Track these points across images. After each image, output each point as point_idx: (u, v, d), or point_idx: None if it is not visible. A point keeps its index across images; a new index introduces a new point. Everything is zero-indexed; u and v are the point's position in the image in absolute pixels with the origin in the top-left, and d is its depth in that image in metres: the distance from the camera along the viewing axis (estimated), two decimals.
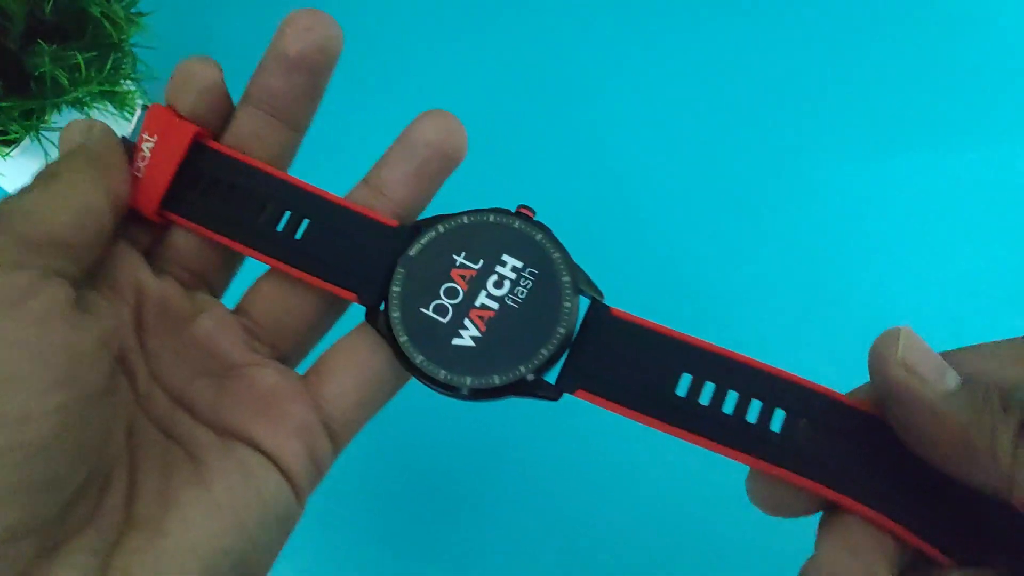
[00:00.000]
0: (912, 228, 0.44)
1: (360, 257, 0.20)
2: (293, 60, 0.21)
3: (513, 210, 0.20)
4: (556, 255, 0.20)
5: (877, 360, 0.17)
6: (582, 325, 0.20)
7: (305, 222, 0.21)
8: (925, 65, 0.48)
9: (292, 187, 0.21)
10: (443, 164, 0.22)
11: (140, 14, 0.38)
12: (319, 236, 0.21)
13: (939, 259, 0.43)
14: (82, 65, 0.35)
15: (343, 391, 0.21)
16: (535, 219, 0.20)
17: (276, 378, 0.21)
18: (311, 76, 0.21)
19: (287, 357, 0.22)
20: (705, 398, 0.19)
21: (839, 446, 0.18)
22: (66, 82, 0.35)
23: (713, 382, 0.19)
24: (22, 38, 0.35)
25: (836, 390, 0.19)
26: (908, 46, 0.48)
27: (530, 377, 0.19)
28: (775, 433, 0.18)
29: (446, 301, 0.20)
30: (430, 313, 0.20)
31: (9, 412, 0.14)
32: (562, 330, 0.19)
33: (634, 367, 0.19)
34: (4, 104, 0.34)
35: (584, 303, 0.20)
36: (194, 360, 0.21)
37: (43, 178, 0.19)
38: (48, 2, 0.34)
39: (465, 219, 0.20)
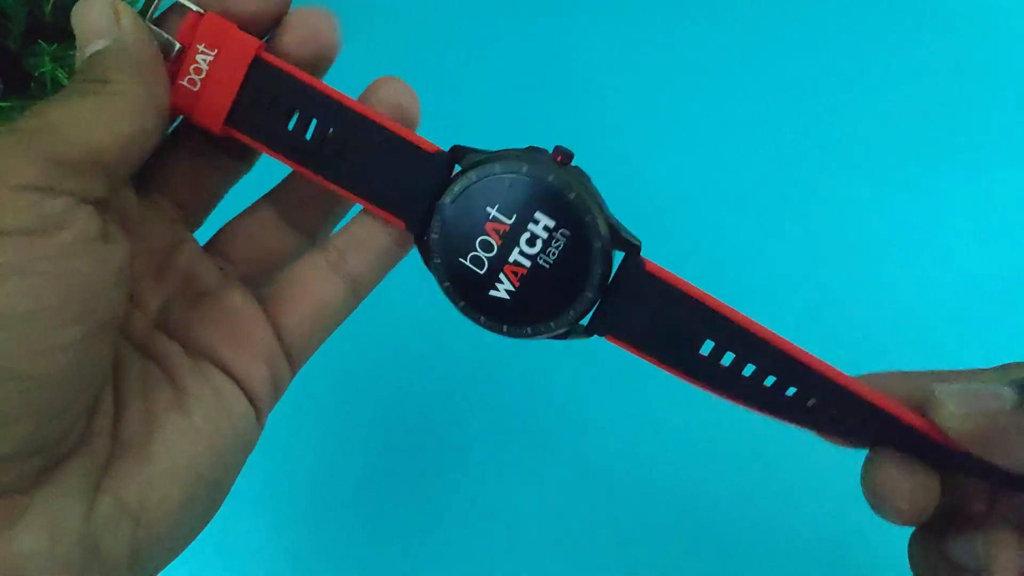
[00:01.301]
0: (916, 232, 0.44)
1: (406, 183, 0.20)
2: (292, 57, 0.21)
3: (550, 150, 0.20)
4: (588, 218, 0.19)
5: (945, 423, 0.18)
6: (617, 272, 0.20)
7: (350, 142, 0.21)
8: (939, 74, 0.48)
9: (342, 106, 0.21)
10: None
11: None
12: (367, 159, 0.21)
13: (946, 263, 0.43)
14: None
15: (299, 320, 0.22)
16: (572, 165, 0.20)
17: (240, 300, 0.22)
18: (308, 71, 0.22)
19: (253, 282, 0.23)
20: (726, 361, 0.20)
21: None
22: (66, 82, 0.35)
23: (733, 352, 0.19)
24: (22, 38, 0.35)
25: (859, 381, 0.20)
26: (924, 53, 0.48)
27: (560, 331, 0.20)
28: (804, 405, 0.20)
29: (482, 254, 0.20)
30: (468, 264, 0.20)
31: (32, 344, 0.15)
32: (591, 294, 0.20)
33: (661, 321, 0.20)
34: (4, 104, 0.34)
35: (617, 256, 0.20)
36: (171, 284, 0.21)
37: (86, 83, 0.17)
38: (48, 2, 0.34)
39: (498, 167, 0.19)
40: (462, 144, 0.20)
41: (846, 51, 0.48)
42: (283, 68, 0.21)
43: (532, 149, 0.20)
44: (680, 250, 0.43)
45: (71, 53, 0.35)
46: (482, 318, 0.21)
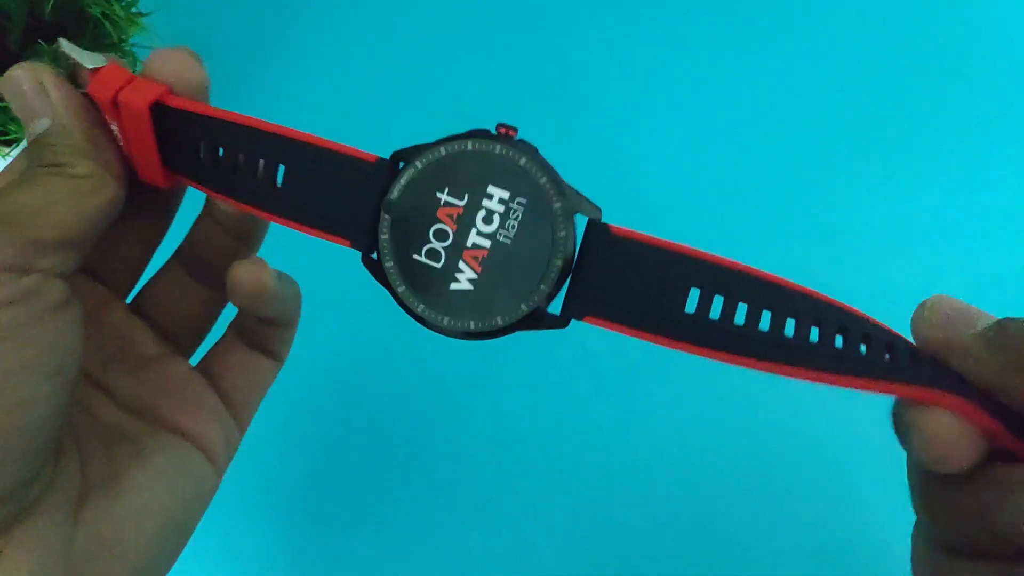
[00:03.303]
0: (913, 229, 0.44)
1: (344, 198, 0.19)
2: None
3: (493, 130, 0.19)
4: (543, 179, 0.18)
5: (912, 327, 0.18)
6: (581, 247, 0.18)
7: (282, 168, 0.20)
8: (937, 69, 0.48)
9: (263, 133, 0.20)
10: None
11: (140, 14, 0.38)
12: (300, 180, 0.20)
13: (943, 260, 0.43)
14: None
15: (237, 386, 0.24)
16: (518, 139, 0.19)
17: (187, 369, 0.23)
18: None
19: (186, 350, 0.25)
20: (715, 312, 0.18)
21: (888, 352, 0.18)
22: None
23: (721, 295, 0.18)
24: (22, 38, 0.35)
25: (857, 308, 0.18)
26: (922, 58, 0.48)
27: (533, 313, 0.18)
28: (807, 341, 0.18)
29: (437, 244, 0.19)
30: (423, 259, 0.19)
31: (19, 395, 0.16)
32: (559, 262, 0.18)
33: (639, 286, 0.18)
34: (4, 104, 0.34)
35: (581, 222, 0.19)
36: (106, 348, 0.22)
37: (44, 166, 0.18)
38: (48, 2, 0.34)
39: (443, 150, 0.18)
40: (401, 147, 0.19)
41: (841, 47, 0.48)
42: (189, 109, 0.20)
43: (474, 130, 0.19)
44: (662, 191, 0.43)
45: None
46: (446, 319, 0.19)
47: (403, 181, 0.19)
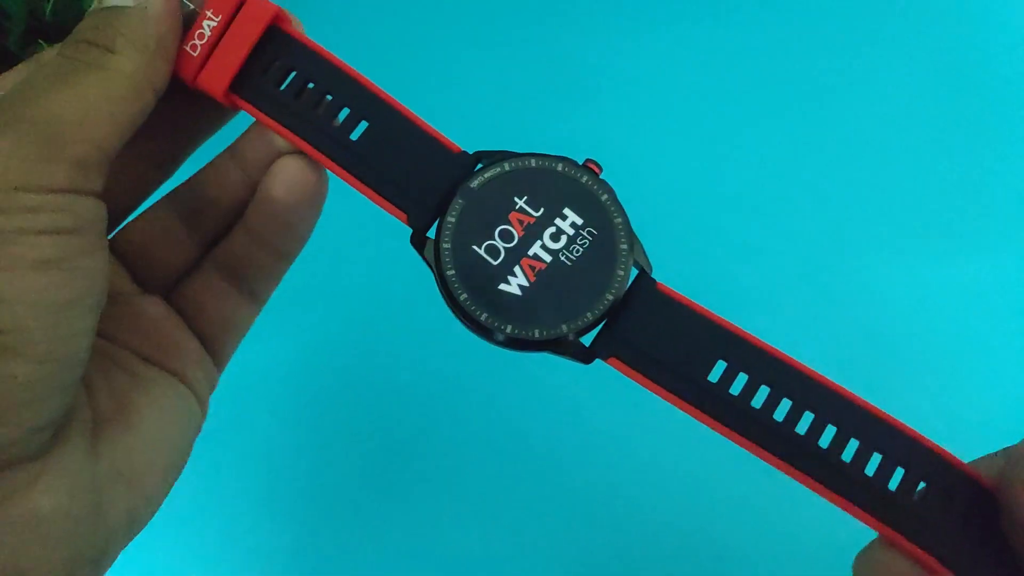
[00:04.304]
0: (918, 237, 0.44)
1: (417, 176, 0.20)
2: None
3: (581, 162, 0.20)
4: (619, 220, 0.19)
5: (1012, 474, 0.16)
6: (627, 293, 0.19)
7: (363, 125, 0.20)
8: (940, 74, 0.48)
9: (359, 85, 0.20)
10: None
11: None
12: (378, 144, 0.20)
13: (944, 267, 0.43)
14: None
15: (214, 328, 0.23)
16: (601, 176, 0.20)
17: (164, 309, 0.22)
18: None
19: (161, 292, 0.23)
20: (736, 388, 0.18)
21: (947, 510, 0.17)
22: None
23: (747, 373, 0.18)
24: (22, 38, 0.35)
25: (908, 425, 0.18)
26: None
27: (571, 337, 0.19)
28: (812, 441, 0.18)
29: (499, 243, 0.19)
30: (481, 252, 0.19)
31: (62, 329, 0.16)
32: (611, 297, 0.19)
33: (669, 344, 0.19)
34: None
35: (632, 273, 0.19)
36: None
37: (89, 47, 0.18)
38: (48, 3, 0.34)
39: (533, 162, 0.19)
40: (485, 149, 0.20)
41: (844, 52, 0.48)
42: (298, 37, 0.20)
43: (564, 157, 0.20)
44: (684, 252, 0.43)
45: None
46: (484, 315, 0.19)
47: (488, 175, 0.19)
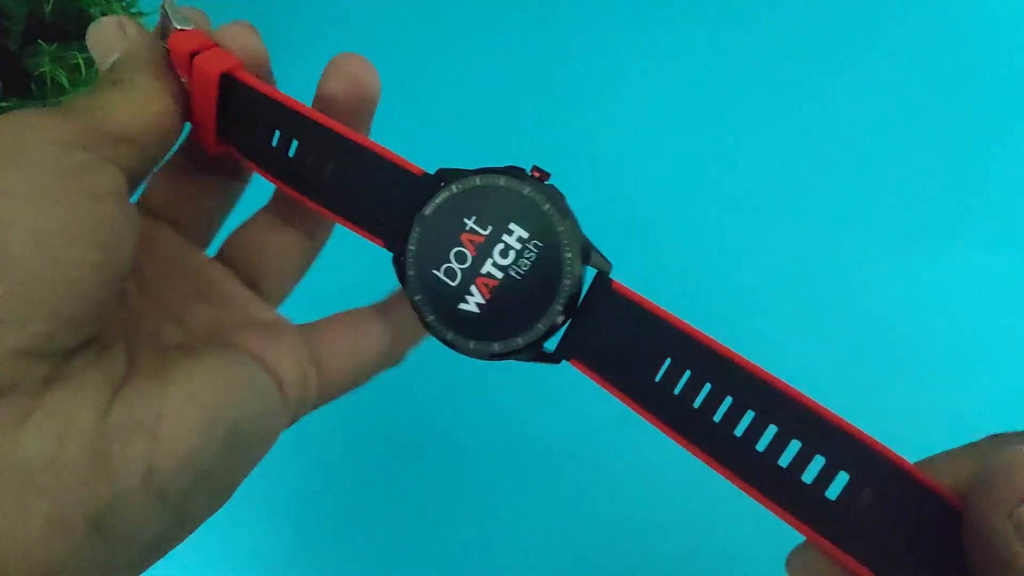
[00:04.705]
0: (911, 237, 0.44)
1: (386, 204, 0.21)
2: (332, 100, 0.22)
3: (528, 169, 0.20)
4: (561, 228, 0.19)
5: (986, 494, 0.15)
6: (587, 294, 0.19)
7: (331, 163, 0.21)
8: (930, 74, 0.48)
9: (324, 128, 0.21)
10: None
11: (140, 14, 0.38)
12: (348, 179, 0.21)
13: (941, 266, 0.43)
14: (82, 65, 0.35)
15: (336, 350, 0.23)
16: (548, 183, 0.20)
17: (274, 315, 0.23)
18: (350, 117, 0.23)
19: (271, 297, 0.24)
20: (679, 387, 0.18)
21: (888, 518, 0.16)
22: (66, 82, 0.35)
23: (691, 371, 0.18)
24: (22, 38, 0.35)
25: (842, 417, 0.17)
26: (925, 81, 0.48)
27: (527, 347, 0.20)
28: (750, 445, 0.17)
29: (455, 265, 0.20)
30: (440, 275, 0.20)
31: (59, 255, 0.17)
32: (559, 306, 0.19)
33: (622, 344, 0.19)
34: (4, 104, 0.34)
35: (592, 272, 0.20)
36: (189, 286, 0.23)
37: (109, 82, 0.20)
38: (48, 3, 0.34)
39: (478, 180, 0.20)
40: (448, 167, 0.21)
41: (838, 49, 0.48)
42: (255, 87, 0.21)
43: (511, 167, 0.20)
44: (680, 251, 0.43)
45: (71, 53, 0.35)
46: (449, 334, 0.20)
47: (437, 200, 0.20)
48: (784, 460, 0.17)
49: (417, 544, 0.38)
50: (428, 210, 0.20)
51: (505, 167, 0.20)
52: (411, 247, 0.20)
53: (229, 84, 0.21)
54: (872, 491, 0.16)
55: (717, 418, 0.18)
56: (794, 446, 0.17)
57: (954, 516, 0.16)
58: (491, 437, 0.40)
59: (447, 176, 0.20)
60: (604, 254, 0.20)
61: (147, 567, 0.18)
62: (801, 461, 0.17)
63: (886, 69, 0.47)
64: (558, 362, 0.20)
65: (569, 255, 0.19)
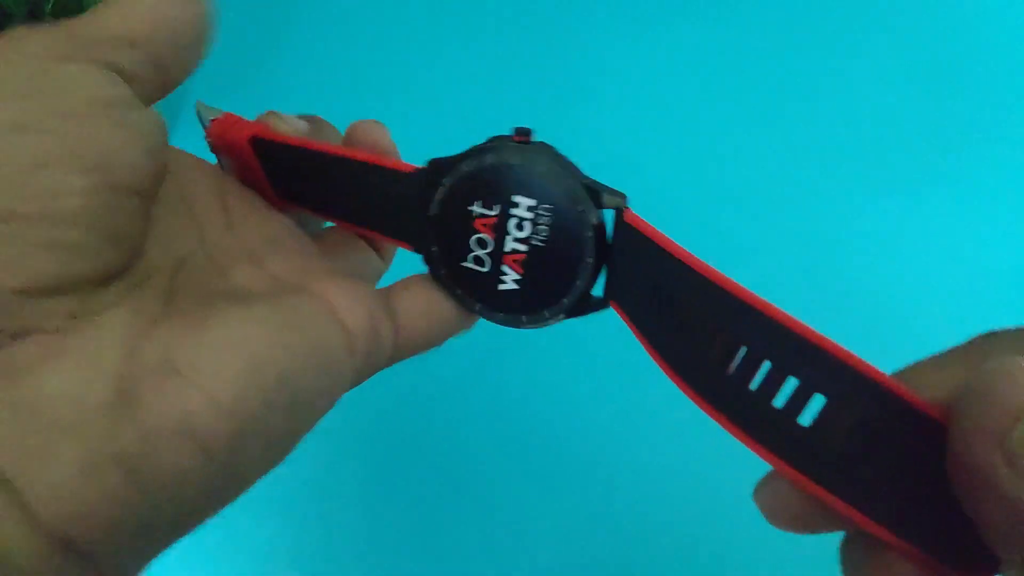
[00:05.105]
0: (914, 228, 0.44)
1: (395, 207, 0.21)
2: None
3: (509, 134, 0.20)
4: (561, 186, 0.19)
5: (970, 419, 0.13)
6: (613, 234, 0.19)
7: (344, 182, 0.22)
8: (932, 71, 0.48)
9: (326, 155, 0.22)
10: None
11: None
12: (353, 195, 0.22)
13: (942, 259, 0.43)
14: None
15: (413, 307, 0.22)
16: (535, 141, 0.19)
17: (351, 271, 0.22)
18: None
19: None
20: (657, 309, 0.18)
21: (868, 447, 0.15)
22: None
23: (674, 296, 0.17)
24: None
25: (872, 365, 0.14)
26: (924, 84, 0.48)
27: (575, 306, 0.20)
28: (781, 410, 0.15)
29: (480, 252, 0.20)
30: (471, 266, 0.20)
31: (40, 186, 0.15)
32: (590, 259, 0.19)
33: (638, 279, 0.19)
34: None
35: (609, 215, 0.19)
36: (274, 231, 0.22)
37: None
38: (48, 2, 0.34)
39: (464, 166, 0.19)
40: (438, 156, 0.20)
41: (838, 49, 0.48)
42: (275, 139, 0.22)
43: (493, 139, 0.20)
44: (668, 198, 0.43)
45: None
46: (500, 315, 0.20)
47: (437, 198, 0.20)
48: (755, 384, 0.16)
49: (417, 543, 0.38)
50: (432, 210, 0.20)
51: (488, 141, 0.20)
52: (433, 249, 0.20)
53: (260, 145, 0.22)
54: (843, 412, 0.15)
55: (690, 342, 0.17)
56: (765, 367, 0.15)
57: (940, 434, 0.14)
58: (491, 437, 0.40)
59: (437, 168, 0.20)
60: (614, 187, 0.19)
61: (192, 527, 0.17)
62: (772, 384, 0.15)
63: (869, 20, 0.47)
64: (606, 306, 0.20)
65: (580, 208, 0.19)
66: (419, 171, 0.20)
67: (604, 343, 0.36)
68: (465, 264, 0.20)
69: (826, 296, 0.42)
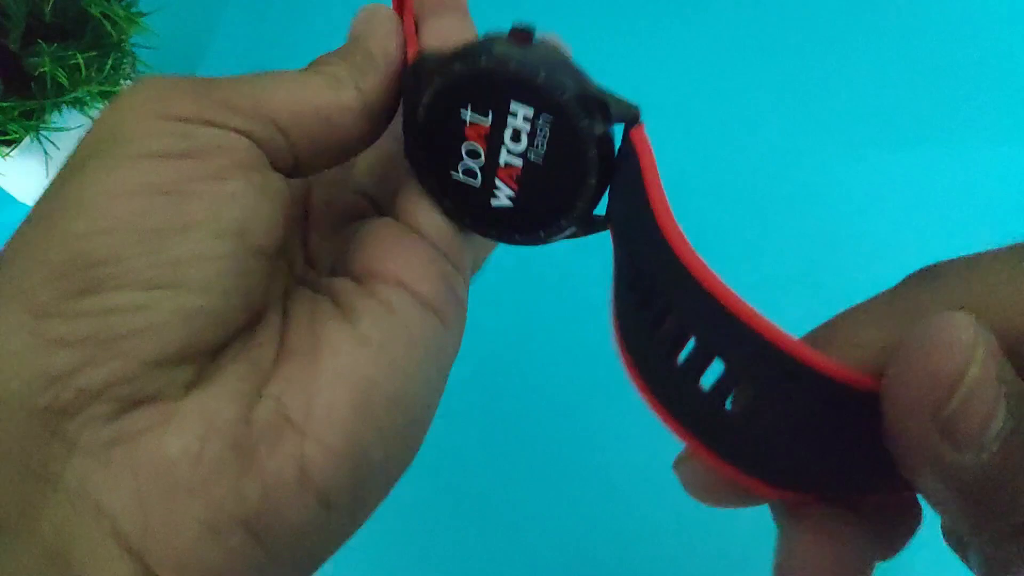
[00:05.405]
0: (914, 223, 0.44)
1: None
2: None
3: (508, 32, 0.17)
4: (564, 96, 0.16)
5: (902, 390, 0.12)
6: (619, 150, 0.17)
7: None
8: (927, 60, 0.48)
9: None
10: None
11: (140, 14, 0.38)
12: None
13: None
14: (82, 65, 0.35)
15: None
16: (536, 41, 0.17)
17: (399, 227, 0.20)
18: None
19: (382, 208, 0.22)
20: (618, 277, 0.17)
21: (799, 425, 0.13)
22: (66, 82, 0.35)
23: (628, 250, 0.16)
24: (22, 38, 0.35)
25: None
26: (909, 42, 0.48)
27: (573, 227, 0.18)
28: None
29: (471, 163, 0.18)
30: (462, 178, 0.18)
31: (182, 251, 0.15)
32: (592, 180, 0.17)
33: (625, 211, 0.17)
34: (4, 104, 0.34)
35: (618, 130, 0.17)
36: (314, 217, 0.21)
37: (294, 72, 0.18)
38: (48, 3, 0.34)
39: (457, 66, 0.17)
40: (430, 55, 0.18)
41: (838, 42, 0.48)
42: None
43: (489, 36, 0.17)
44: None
45: (71, 53, 0.35)
46: (492, 231, 0.19)
47: (425, 100, 0.17)
48: (680, 355, 0.15)
49: (417, 544, 0.38)
50: (420, 113, 0.18)
51: (483, 38, 0.17)
52: (420, 154, 0.18)
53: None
54: (752, 385, 0.13)
55: (628, 299, 0.16)
56: (691, 344, 0.14)
57: (869, 403, 0.12)
58: (490, 436, 0.40)
59: (427, 65, 0.17)
60: (626, 97, 0.17)
61: (313, 570, 0.17)
62: (697, 361, 0.14)
63: None
64: (606, 228, 0.18)
65: (585, 122, 0.16)
66: (408, 67, 0.18)
67: (604, 342, 0.36)
68: (454, 175, 0.18)
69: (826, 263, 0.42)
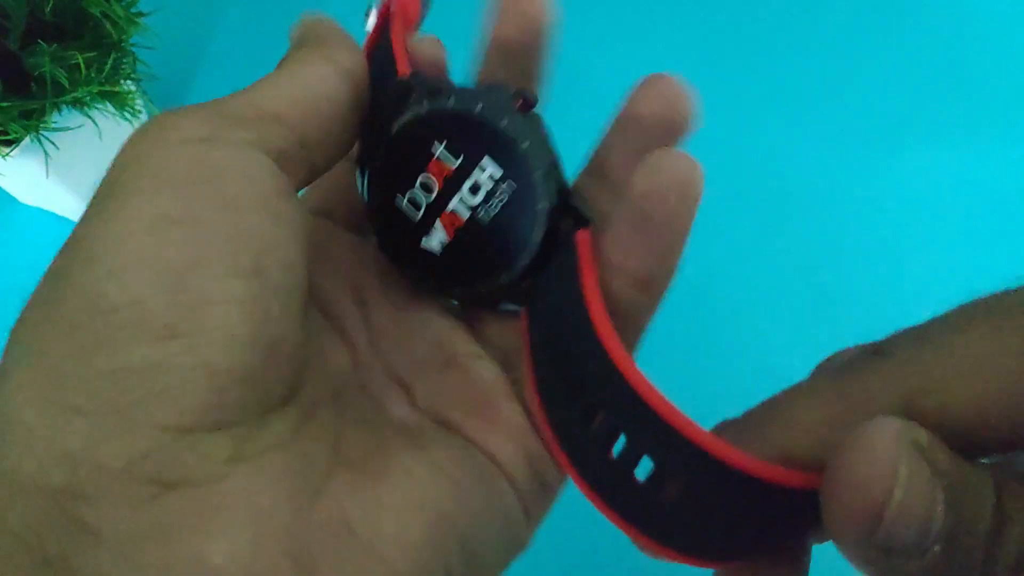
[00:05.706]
0: (918, 224, 0.44)
1: (379, 104, 0.18)
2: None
3: (512, 92, 0.17)
4: (538, 174, 0.16)
5: (839, 507, 0.12)
6: (561, 245, 0.17)
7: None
8: (932, 61, 0.48)
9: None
10: (669, 137, 0.19)
11: (140, 14, 0.38)
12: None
13: (945, 255, 0.43)
14: (82, 65, 0.35)
15: None
16: (533, 112, 0.17)
17: (494, 374, 0.18)
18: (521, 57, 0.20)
19: (505, 357, 0.20)
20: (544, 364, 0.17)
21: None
22: (66, 82, 0.35)
23: (569, 352, 0.16)
24: (22, 38, 0.35)
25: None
26: (912, 43, 0.48)
27: (485, 295, 0.18)
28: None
29: (420, 195, 0.17)
30: (404, 206, 0.18)
31: (190, 296, 0.13)
32: (525, 261, 0.17)
33: (553, 306, 0.17)
34: (4, 104, 0.34)
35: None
36: (418, 346, 0.19)
37: (276, 71, 0.17)
38: (48, 2, 0.34)
39: (452, 102, 0.17)
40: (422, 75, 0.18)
41: (843, 43, 0.48)
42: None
43: (493, 88, 0.17)
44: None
45: (71, 53, 0.35)
46: (407, 268, 0.18)
47: (405, 119, 0.17)
48: (615, 450, 0.15)
49: None
50: (395, 127, 0.17)
51: (486, 87, 0.17)
52: (376, 165, 0.18)
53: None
54: (681, 481, 0.14)
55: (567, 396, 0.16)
56: (621, 439, 0.15)
57: (797, 494, 0.13)
58: None
59: (419, 87, 0.17)
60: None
61: None
62: (627, 454, 0.15)
63: None
64: (524, 306, 0.18)
65: (543, 205, 0.17)
66: (402, 81, 0.18)
67: None
68: (400, 199, 0.18)
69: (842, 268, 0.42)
